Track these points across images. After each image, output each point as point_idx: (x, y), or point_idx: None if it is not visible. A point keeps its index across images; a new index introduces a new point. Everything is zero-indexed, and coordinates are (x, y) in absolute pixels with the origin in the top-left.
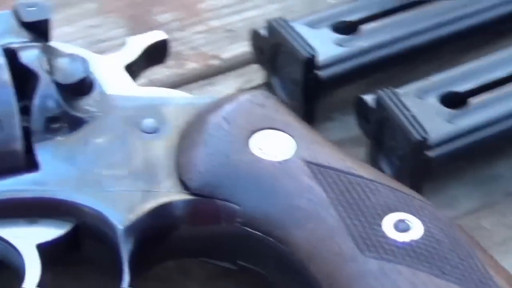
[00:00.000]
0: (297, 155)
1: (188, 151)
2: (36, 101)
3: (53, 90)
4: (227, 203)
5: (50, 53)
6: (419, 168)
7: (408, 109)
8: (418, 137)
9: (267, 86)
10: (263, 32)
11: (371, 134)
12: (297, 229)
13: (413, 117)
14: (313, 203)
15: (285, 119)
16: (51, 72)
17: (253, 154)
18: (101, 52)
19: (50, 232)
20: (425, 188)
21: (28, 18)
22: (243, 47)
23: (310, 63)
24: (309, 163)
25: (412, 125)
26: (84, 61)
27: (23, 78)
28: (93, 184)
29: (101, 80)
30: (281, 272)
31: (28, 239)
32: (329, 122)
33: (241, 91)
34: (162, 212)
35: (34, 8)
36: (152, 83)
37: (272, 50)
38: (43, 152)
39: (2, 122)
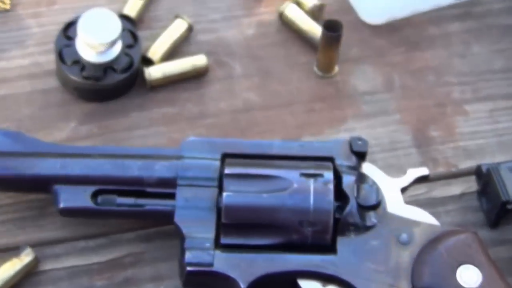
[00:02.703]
0: (481, 286)
1: (419, 266)
2: (344, 215)
3: (355, 209)
4: None
5: (360, 180)
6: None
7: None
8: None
9: (479, 191)
10: (483, 166)
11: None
12: None
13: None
14: None
15: (481, 259)
16: (357, 195)
17: (456, 281)
18: (392, 149)
19: None
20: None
21: (356, 148)
22: (472, 163)
23: (504, 204)
24: None
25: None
26: (378, 189)
27: (340, 193)
28: (363, 273)
29: (384, 197)
30: None
31: None
32: None
33: (460, 229)
34: None
35: (360, 142)
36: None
37: (485, 181)
38: (341, 243)
39: (323, 222)
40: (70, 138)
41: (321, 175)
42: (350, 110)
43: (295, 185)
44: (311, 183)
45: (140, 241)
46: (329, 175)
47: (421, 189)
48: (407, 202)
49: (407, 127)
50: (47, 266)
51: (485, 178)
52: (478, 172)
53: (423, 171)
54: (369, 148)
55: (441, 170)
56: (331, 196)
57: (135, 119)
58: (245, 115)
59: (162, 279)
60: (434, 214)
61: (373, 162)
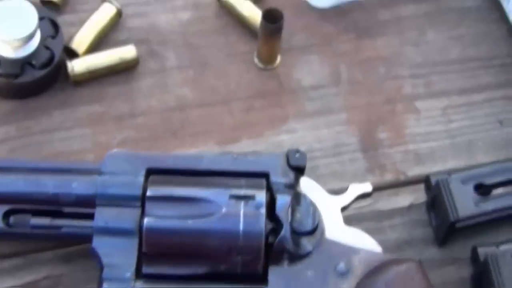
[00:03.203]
0: None
1: None
2: (277, 242)
3: (289, 235)
4: None
5: (296, 200)
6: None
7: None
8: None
9: (428, 204)
10: (432, 179)
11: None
12: None
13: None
14: None
15: None
16: (292, 220)
17: None
18: (336, 154)
19: None
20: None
21: (293, 162)
22: (422, 170)
23: (453, 224)
24: None
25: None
26: (315, 212)
27: (274, 216)
28: None
29: (322, 220)
30: None
31: None
32: None
33: (402, 259)
34: None
35: (298, 155)
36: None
37: (433, 195)
38: (272, 273)
39: (253, 250)
40: None
41: (252, 198)
42: (293, 108)
43: (224, 210)
44: (241, 208)
45: (58, 262)
46: (261, 197)
47: (365, 200)
48: (349, 216)
49: (353, 128)
50: None
51: (434, 191)
52: (427, 184)
53: (366, 187)
54: (312, 153)
55: (388, 177)
56: (262, 221)
57: (58, 118)
58: (178, 114)
59: None
60: (379, 229)
61: (316, 168)
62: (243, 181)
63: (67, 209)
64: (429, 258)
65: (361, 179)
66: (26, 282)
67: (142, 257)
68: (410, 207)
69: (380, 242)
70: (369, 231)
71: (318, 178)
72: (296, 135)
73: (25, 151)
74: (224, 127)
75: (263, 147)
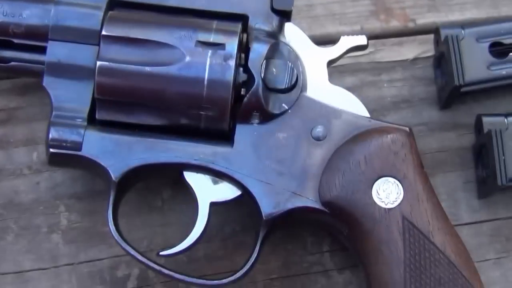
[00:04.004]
0: (399, 208)
1: (331, 172)
2: (246, 99)
3: (261, 91)
4: (339, 222)
5: (272, 54)
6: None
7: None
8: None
9: (435, 59)
10: (442, 32)
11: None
12: (371, 259)
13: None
14: (392, 255)
15: (406, 171)
16: (265, 74)
17: (371, 197)
18: (335, 19)
19: (223, 194)
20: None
21: (278, 5)
22: (436, 18)
23: (457, 88)
24: (404, 218)
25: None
26: (293, 68)
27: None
28: (261, 174)
29: (303, 75)
30: None
31: (207, 195)
32: None
33: (390, 126)
34: (295, 212)
35: None
36: (363, 30)
37: (441, 52)
38: (239, 132)
39: (218, 106)
40: None
41: (221, 46)
42: None
43: (188, 58)
44: (208, 57)
45: (15, 93)
46: (232, 46)
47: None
48: (342, 65)
49: None
50: None
51: (442, 47)
52: (436, 36)
53: (360, 40)
54: None
55: (394, 24)
56: (230, 74)
57: None
58: None
59: (36, 143)
60: (375, 83)
61: (311, 7)
62: (215, 23)
63: (17, 41)
64: (428, 120)
65: (363, 24)
66: None
67: (96, 103)
68: (415, 60)
69: (375, 99)
70: (364, 85)
71: (312, 20)
72: None
73: None
74: None
75: None
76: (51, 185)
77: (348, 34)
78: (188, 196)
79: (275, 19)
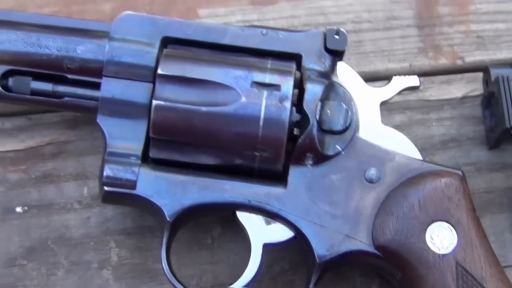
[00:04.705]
0: (453, 254)
1: (385, 216)
2: (300, 140)
3: (315, 132)
4: (392, 267)
5: (327, 95)
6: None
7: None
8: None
9: (484, 99)
10: (492, 72)
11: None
12: None
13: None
14: None
15: (460, 216)
16: (320, 116)
17: (425, 242)
18: (386, 28)
19: (275, 235)
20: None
21: (331, 45)
22: (484, 56)
23: (508, 130)
24: (457, 264)
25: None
26: (347, 110)
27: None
28: (314, 216)
29: (356, 116)
30: None
31: (260, 236)
32: None
33: (443, 170)
34: (348, 255)
35: (338, 37)
36: (411, 68)
37: (491, 92)
38: (293, 173)
39: (273, 147)
40: None
41: (277, 87)
42: None
43: (243, 99)
44: (263, 98)
45: (65, 126)
46: (287, 87)
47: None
48: (390, 103)
49: None
50: None
51: (492, 87)
52: (486, 75)
53: (413, 80)
54: (359, 25)
55: (443, 61)
56: (286, 116)
57: None
58: None
59: (86, 178)
60: (424, 122)
61: (360, 44)
62: (269, 63)
63: (70, 76)
64: (476, 160)
65: (411, 61)
66: (29, 146)
67: (150, 141)
68: (463, 99)
69: (423, 138)
70: (413, 124)
71: (360, 57)
72: (343, 1)
73: None
74: None
75: (303, 12)
76: (102, 220)
77: (396, 71)
78: (238, 234)
79: (328, 59)
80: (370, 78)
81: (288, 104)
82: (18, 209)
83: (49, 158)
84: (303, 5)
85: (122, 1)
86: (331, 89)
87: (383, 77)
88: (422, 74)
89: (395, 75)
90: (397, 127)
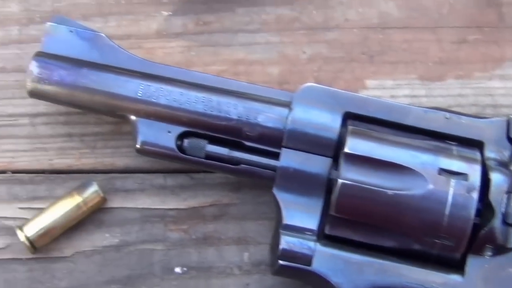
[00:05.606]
0: None
1: None
2: (484, 231)
3: (499, 225)
4: None
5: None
6: None
7: None
8: None
9: None
10: None
11: None
12: None
13: None
14: None
15: None
16: (506, 209)
17: None
18: None
19: None
20: None
21: None
22: None
23: None
24: None
25: None
26: None
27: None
28: None
29: None
30: None
31: None
32: None
33: None
34: None
35: None
36: None
37: None
38: (471, 263)
39: (456, 236)
40: (160, 31)
41: (464, 176)
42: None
43: (430, 185)
44: (451, 186)
45: (228, 188)
46: (475, 177)
47: None
48: None
49: None
50: (115, 203)
51: None
52: None
53: None
54: None
55: None
56: (472, 208)
57: (242, 17)
58: (379, 34)
59: (247, 243)
60: None
61: None
62: (454, 149)
63: (248, 143)
64: None
65: None
66: (191, 206)
67: (328, 218)
68: None
69: None
70: None
71: None
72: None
73: (201, 52)
74: (429, 58)
75: (470, 92)
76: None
77: None
78: None
79: (508, 148)
80: None
81: (475, 195)
82: (177, 270)
83: (211, 220)
84: (470, 85)
85: (290, 65)
86: None
87: None
88: None
89: None
90: None
